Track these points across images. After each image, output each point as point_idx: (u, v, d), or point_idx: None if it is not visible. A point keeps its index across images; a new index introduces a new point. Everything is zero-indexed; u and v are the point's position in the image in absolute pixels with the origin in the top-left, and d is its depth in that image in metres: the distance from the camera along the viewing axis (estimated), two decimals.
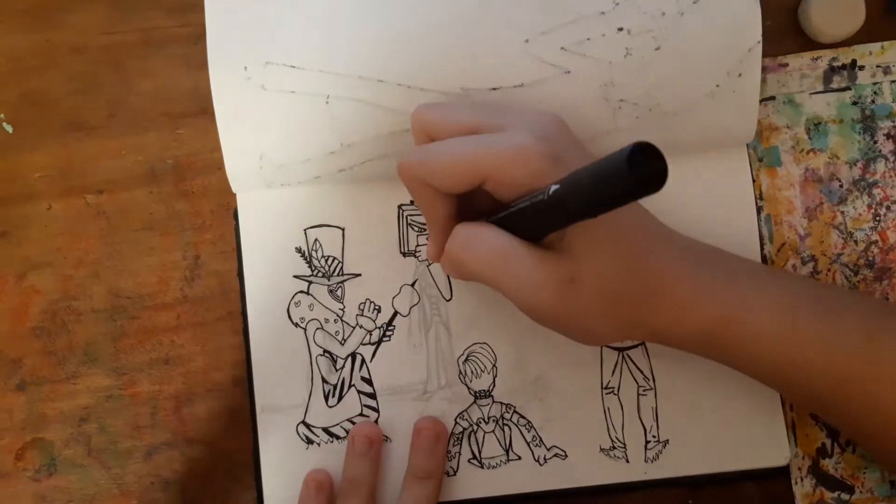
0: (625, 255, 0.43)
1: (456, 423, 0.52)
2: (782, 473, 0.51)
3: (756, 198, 0.52)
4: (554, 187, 0.38)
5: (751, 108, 0.49)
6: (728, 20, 0.47)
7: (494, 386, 0.52)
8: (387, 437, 0.51)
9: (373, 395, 0.52)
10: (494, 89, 0.47)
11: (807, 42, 0.52)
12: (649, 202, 0.51)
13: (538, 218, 0.41)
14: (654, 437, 0.51)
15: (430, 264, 0.52)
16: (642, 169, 0.32)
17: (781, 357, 0.44)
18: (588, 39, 0.47)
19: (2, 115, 0.53)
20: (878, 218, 0.51)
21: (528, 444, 0.52)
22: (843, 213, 0.51)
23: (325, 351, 0.52)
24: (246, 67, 0.47)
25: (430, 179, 0.44)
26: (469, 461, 0.52)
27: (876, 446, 0.46)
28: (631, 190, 0.33)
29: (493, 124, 0.44)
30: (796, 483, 0.51)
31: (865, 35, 0.51)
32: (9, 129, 0.53)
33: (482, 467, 0.52)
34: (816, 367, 0.44)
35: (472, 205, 0.46)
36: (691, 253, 0.45)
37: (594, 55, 0.47)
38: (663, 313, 0.44)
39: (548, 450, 0.52)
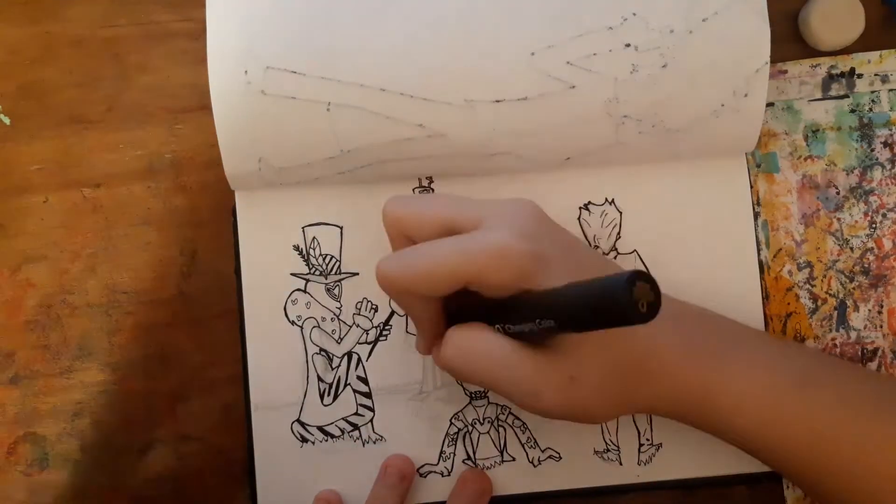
0: (617, 337, 0.42)
1: (451, 423, 0.52)
2: (774, 478, 0.51)
3: (753, 203, 0.52)
4: (548, 323, 0.38)
5: (754, 126, 0.49)
6: (736, 40, 0.47)
7: None
8: (381, 437, 0.51)
9: (368, 395, 0.52)
10: (498, 101, 0.47)
11: (806, 49, 0.52)
12: (646, 212, 0.51)
13: (530, 326, 0.41)
14: (647, 440, 0.52)
15: None
16: (643, 300, 0.33)
17: (762, 427, 0.44)
18: (594, 55, 0.46)
19: (0, 107, 0.53)
20: (874, 225, 0.52)
21: (523, 445, 0.52)
22: (839, 219, 0.52)
23: (321, 349, 0.52)
24: (246, 72, 0.47)
25: (411, 288, 0.43)
26: (464, 462, 0.52)
27: None
28: (631, 321, 0.33)
29: (470, 218, 0.43)
30: (788, 487, 0.51)
31: (865, 43, 0.52)
32: (6, 120, 0.52)
33: (475, 467, 0.52)
34: (796, 438, 0.44)
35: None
36: (679, 322, 0.45)
37: (600, 71, 0.47)
38: (653, 388, 0.44)
39: (542, 451, 0.52)
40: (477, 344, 0.43)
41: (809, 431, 0.44)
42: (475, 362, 0.43)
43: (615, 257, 0.52)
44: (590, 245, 0.52)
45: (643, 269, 0.34)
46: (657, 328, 0.43)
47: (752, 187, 0.52)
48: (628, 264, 0.52)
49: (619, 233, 0.52)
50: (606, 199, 0.52)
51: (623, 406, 0.45)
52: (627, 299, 0.33)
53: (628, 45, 0.47)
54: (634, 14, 0.47)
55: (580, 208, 0.52)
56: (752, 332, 0.48)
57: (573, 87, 0.47)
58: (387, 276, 0.43)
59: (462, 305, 0.45)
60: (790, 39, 0.53)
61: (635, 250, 0.52)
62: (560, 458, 0.52)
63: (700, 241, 0.52)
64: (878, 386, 0.47)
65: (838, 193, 0.52)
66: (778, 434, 0.44)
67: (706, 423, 0.46)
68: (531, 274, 0.41)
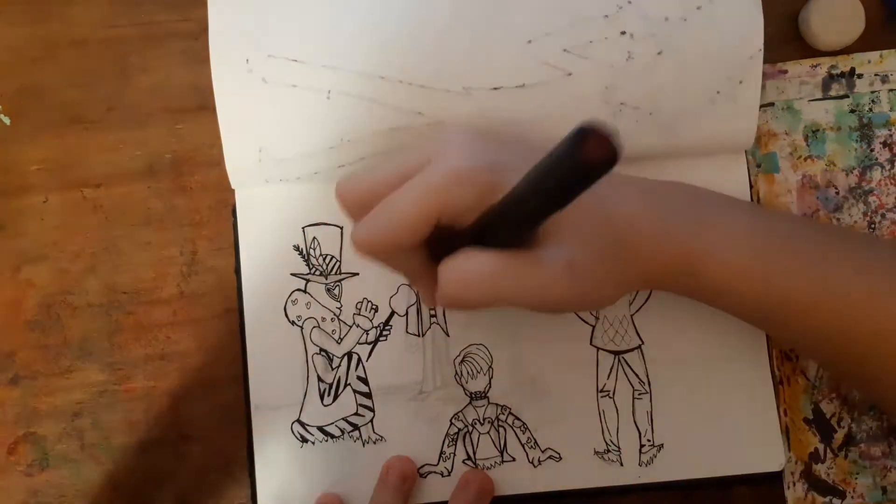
0: (594, 211, 0.42)
1: (451, 423, 0.52)
2: (775, 478, 0.51)
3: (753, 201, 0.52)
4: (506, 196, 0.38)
5: (751, 114, 0.49)
6: (731, 27, 0.48)
7: (490, 387, 0.52)
8: (381, 437, 0.51)
9: (368, 395, 0.52)
10: (496, 89, 0.47)
11: (806, 49, 0.52)
12: None
13: (510, 229, 0.40)
14: (648, 440, 0.51)
15: None
16: (592, 153, 0.31)
17: (749, 290, 0.45)
18: (591, 42, 0.47)
19: (0, 107, 0.53)
20: (873, 226, 0.52)
21: (523, 445, 0.52)
22: (838, 220, 0.52)
23: (321, 349, 0.52)
24: (248, 60, 0.47)
25: (389, 245, 0.42)
26: (464, 462, 0.52)
27: (852, 372, 0.47)
28: (585, 179, 0.32)
29: (417, 162, 0.42)
30: (788, 488, 0.51)
31: (865, 43, 0.52)
32: (6, 120, 0.52)
33: (477, 468, 0.52)
34: (782, 297, 0.44)
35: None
36: (654, 195, 0.45)
37: (596, 58, 0.47)
38: (640, 261, 0.44)
39: (542, 452, 0.52)
40: (471, 266, 0.41)
41: (797, 290, 0.44)
42: (476, 284, 0.41)
43: None
44: None
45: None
46: (630, 203, 0.44)
47: (752, 187, 0.52)
48: None
49: None
50: None
51: (623, 283, 0.45)
52: (580, 153, 0.31)
53: (624, 33, 0.47)
54: (630, 2, 0.47)
55: None
56: (731, 200, 0.48)
57: (570, 74, 0.47)
58: (363, 241, 0.43)
59: (443, 244, 0.43)
60: (790, 39, 0.53)
61: None
62: (560, 458, 0.52)
63: None
64: (863, 244, 0.47)
65: (838, 194, 0.52)
66: (766, 294, 0.44)
67: (695, 291, 0.46)
68: (494, 184, 0.40)
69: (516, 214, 0.38)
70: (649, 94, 0.48)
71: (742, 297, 0.45)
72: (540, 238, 0.42)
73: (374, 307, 0.52)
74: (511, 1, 0.47)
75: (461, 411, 0.52)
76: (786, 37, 0.52)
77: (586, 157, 0.31)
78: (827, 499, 0.51)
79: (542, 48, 0.47)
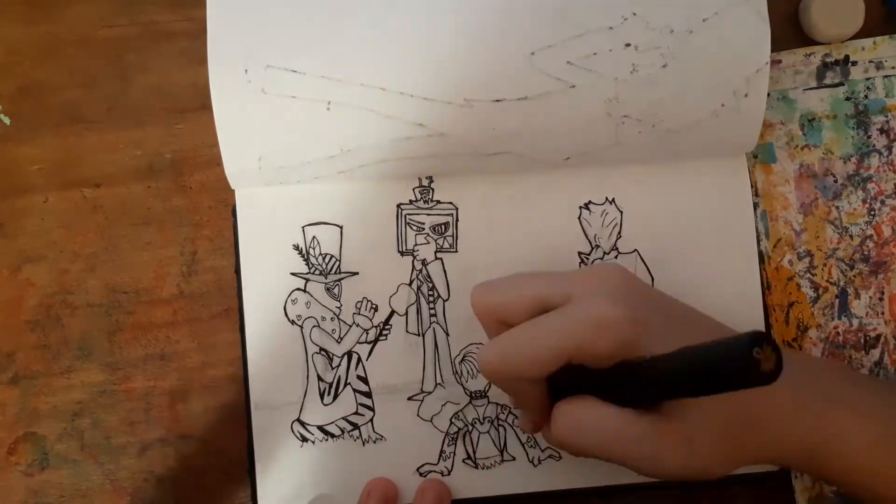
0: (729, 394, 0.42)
1: (451, 423, 0.51)
2: (774, 477, 0.51)
3: (751, 194, 0.52)
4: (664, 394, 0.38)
5: (754, 126, 0.49)
6: (737, 40, 0.47)
7: (490, 386, 0.52)
8: (381, 436, 0.51)
9: (368, 394, 0.51)
10: (498, 101, 0.47)
11: (806, 42, 0.53)
12: (647, 211, 0.51)
13: (644, 396, 0.41)
14: None
15: (427, 263, 0.52)
16: (765, 363, 0.32)
17: (877, 476, 0.44)
18: (594, 54, 0.47)
19: (0, 107, 0.53)
20: (872, 212, 0.52)
21: (523, 444, 0.51)
22: (837, 207, 0.52)
23: (321, 349, 0.51)
24: (246, 70, 0.47)
25: (517, 374, 0.43)
26: (464, 461, 0.51)
27: None
28: (753, 385, 0.33)
29: (560, 293, 0.43)
30: (796, 477, 0.51)
31: (864, 35, 0.52)
32: (6, 120, 0.53)
33: (477, 468, 0.51)
34: None
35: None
36: (789, 373, 0.45)
37: (600, 70, 0.47)
38: (762, 437, 0.44)
39: (542, 451, 0.51)
40: (589, 418, 0.42)
41: None
42: (590, 437, 0.42)
43: (616, 257, 0.52)
44: (591, 245, 0.52)
45: (746, 333, 0.33)
46: None
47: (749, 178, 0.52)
48: (629, 263, 0.51)
49: (619, 232, 0.52)
50: (607, 199, 0.52)
51: (738, 459, 0.44)
52: (750, 363, 0.32)
53: (628, 45, 0.47)
54: (634, 14, 0.47)
55: (580, 207, 0.52)
56: (859, 378, 0.48)
57: (573, 86, 0.47)
58: (492, 366, 0.43)
59: (566, 378, 0.44)
60: (789, 33, 0.53)
61: (636, 250, 0.52)
62: (560, 457, 0.51)
63: (701, 239, 0.51)
64: None
65: (836, 181, 0.52)
66: (893, 477, 0.43)
67: (820, 471, 0.45)
68: (632, 340, 0.40)
69: (658, 388, 0.39)
70: (653, 107, 0.48)
71: (870, 484, 0.44)
72: (669, 407, 0.42)
73: (373, 306, 0.52)
74: (514, 12, 0.47)
75: (461, 410, 0.51)
76: (785, 30, 0.53)
77: (762, 369, 0.32)
78: (835, 488, 0.50)
79: (546, 60, 0.47)
